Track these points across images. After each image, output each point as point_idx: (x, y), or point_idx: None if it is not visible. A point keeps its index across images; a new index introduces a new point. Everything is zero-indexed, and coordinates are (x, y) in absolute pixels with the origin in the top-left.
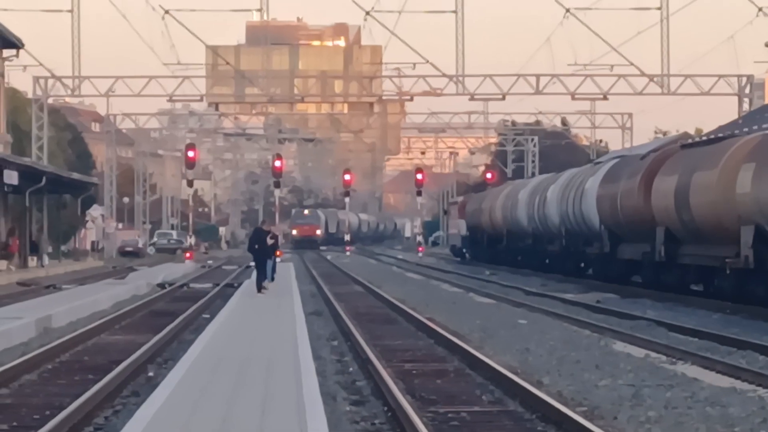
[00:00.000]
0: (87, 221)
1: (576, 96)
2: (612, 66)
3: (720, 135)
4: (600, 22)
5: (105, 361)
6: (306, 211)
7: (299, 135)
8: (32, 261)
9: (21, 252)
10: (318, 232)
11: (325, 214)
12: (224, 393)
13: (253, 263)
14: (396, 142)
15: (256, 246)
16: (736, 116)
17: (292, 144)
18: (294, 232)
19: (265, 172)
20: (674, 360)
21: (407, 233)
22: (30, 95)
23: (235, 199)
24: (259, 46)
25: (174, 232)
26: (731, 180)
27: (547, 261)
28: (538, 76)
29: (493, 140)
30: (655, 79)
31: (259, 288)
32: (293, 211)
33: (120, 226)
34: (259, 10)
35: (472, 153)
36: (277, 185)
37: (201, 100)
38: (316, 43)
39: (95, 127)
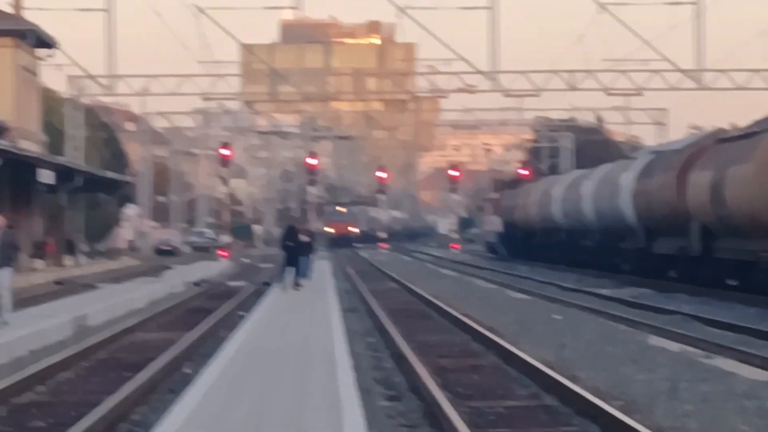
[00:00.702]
0: (122, 220)
1: (610, 92)
2: (646, 61)
3: (755, 129)
4: (633, 17)
5: (141, 359)
6: (341, 209)
7: (333, 133)
8: (68, 260)
9: (57, 251)
10: (353, 229)
11: (360, 211)
12: (260, 389)
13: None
14: (430, 138)
15: (289, 243)
16: None
17: (326, 142)
18: (329, 229)
19: (299, 170)
20: (710, 354)
21: (442, 230)
22: (65, 95)
23: (270, 197)
24: (293, 44)
25: (209, 231)
26: (767, 173)
27: (582, 257)
28: (572, 72)
29: (528, 137)
30: (689, 73)
31: (294, 284)
32: (328, 208)
33: (155, 224)
34: (294, 8)
35: (506, 150)
36: (312, 183)
37: (235, 98)
38: (349, 40)
39: (130, 126)
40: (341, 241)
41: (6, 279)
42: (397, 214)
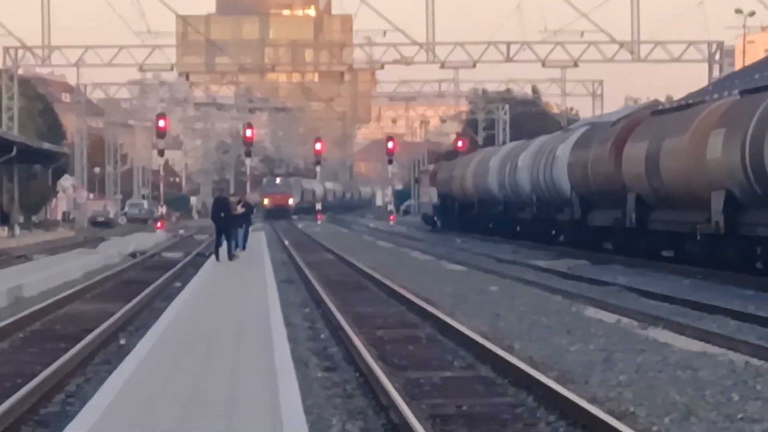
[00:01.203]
0: (58, 191)
1: (546, 63)
2: (582, 33)
3: (690, 102)
4: None
5: (77, 330)
6: (278, 180)
7: (270, 104)
8: (3, 231)
9: None
10: (290, 201)
11: (297, 183)
12: (196, 360)
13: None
14: (367, 110)
15: (222, 215)
16: (706, 83)
17: (262, 113)
18: (265, 201)
19: (236, 142)
20: (645, 325)
21: (378, 202)
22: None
23: (206, 168)
24: (229, 15)
25: (145, 202)
26: (702, 146)
27: (518, 228)
28: (508, 44)
29: (464, 108)
30: (625, 45)
31: (230, 256)
32: (264, 179)
33: (91, 196)
34: None
35: (443, 121)
36: (248, 154)
37: (171, 69)
38: (286, 12)
39: (66, 97)
40: (278, 213)
41: None
42: (334, 186)
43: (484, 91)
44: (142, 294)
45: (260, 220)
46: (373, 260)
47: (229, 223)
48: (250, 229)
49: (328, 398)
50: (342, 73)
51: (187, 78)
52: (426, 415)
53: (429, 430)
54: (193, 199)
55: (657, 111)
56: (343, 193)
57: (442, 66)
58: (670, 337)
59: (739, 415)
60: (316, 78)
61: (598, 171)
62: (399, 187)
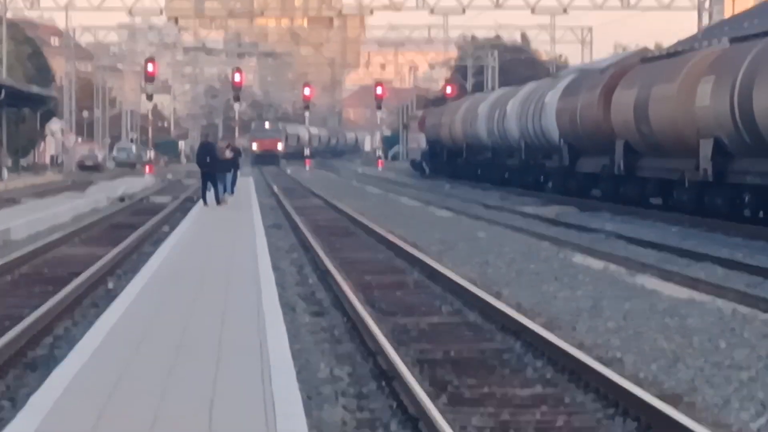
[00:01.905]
0: (46, 135)
1: (536, 10)
2: None
3: (680, 49)
4: None
5: (64, 273)
6: (267, 125)
7: (259, 49)
8: None
9: None
10: (279, 146)
11: (285, 128)
12: (183, 304)
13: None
14: (356, 56)
15: (207, 159)
16: (695, 31)
17: (251, 58)
18: (254, 146)
19: (224, 87)
20: (633, 272)
21: (367, 147)
22: None
23: (195, 113)
24: None
25: (133, 146)
26: (690, 93)
27: (506, 175)
28: None
29: (453, 55)
30: None
31: (219, 201)
32: (253, 124)
33: (79, 140)
34: None
35: (432, 67)
36: (237, 99)
37: (161, 14)
38: None
39: (55, 41)
40: (266, 158)
41: None
42: (322, 131)
43: (474, 38)
44: (131, 238)
45: (248, 166)
46: (362, 206)
47: (214, 168)
48: (238, 173)
49: (316, 343)
50: (331, 19)
51: (176, 22)
52: (414, 360)
53: (417, 376)
54: (181, 144)
55: (646, 58)
56: (331, 139)
57: (432, 12)
58: (658, 284)
59: (727, 362)
60: (306, 23)
61: (586, 118)
62: (387, 132)
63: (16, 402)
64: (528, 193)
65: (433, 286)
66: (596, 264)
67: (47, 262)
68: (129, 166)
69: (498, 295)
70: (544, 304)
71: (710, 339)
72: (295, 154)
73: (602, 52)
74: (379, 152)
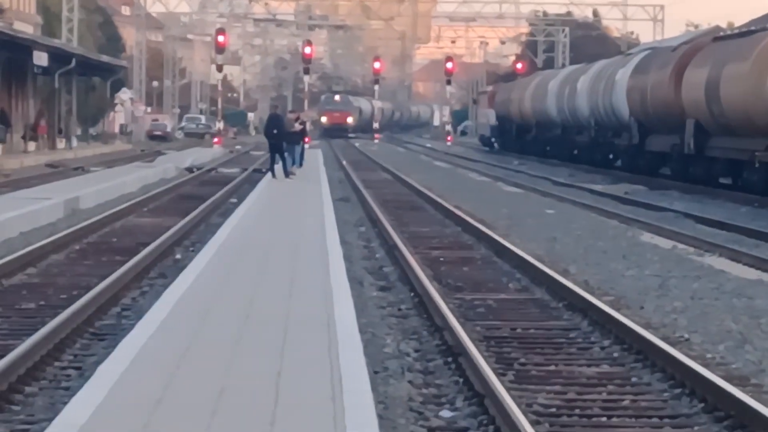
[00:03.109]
0: (116, 104)
1: None
2: None
3: (752, 28)
4: None
5: (132, 244)
6: (337, 97)
7: (329, 22)
8: (61, 143)
9: (49, 134)
10: (349, 119)
11: (355, 101)
12: (251, 276)
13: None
14: (426, 30)
15: (275, 131)
16: None
17: (322, 31)
18: (323, 119)
19: (294, 59)
20: (701, 252)
21: (436, 122)
22: None
23: (264, 85)
24: None
25: (203, 117)
26: (763, 73)
27: (575, 152)
28: None
29: (524, 30)
30: None
31: (287, 173)
32: (323, 97)
33: (149, 110)
34: None
35: (502, 43)
36: (307, 72)
37: None
38: None
39: (125, 10)
40: (335, 131)
41: None
42: (391, 105)
43: (545, 14)
44: (199, 209)
45: (316, 139)
46: (430, 180)
47: (281, 139)
48: (306, 146)
49: (382, 318)
50: None
51: None
52: (480, 336)
53: (483, 352)
54: (250, 115)
55: (718, 37)
56: (401, 113)
57: None
58: (726, 265)
59: None
60: None
61: (657, 96)
62: (457, 107)
63: (83, 371)
64: (597, 171)
65: (500, 262)
66: (664, 243)
67: (115, 232)
68: (198, 137)
69: (565, 273)
70: (612, 283)
71: None
72: (364, 128)
73: (674, 30)
74: (448, 127)
